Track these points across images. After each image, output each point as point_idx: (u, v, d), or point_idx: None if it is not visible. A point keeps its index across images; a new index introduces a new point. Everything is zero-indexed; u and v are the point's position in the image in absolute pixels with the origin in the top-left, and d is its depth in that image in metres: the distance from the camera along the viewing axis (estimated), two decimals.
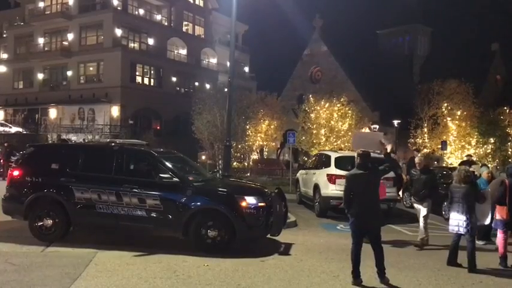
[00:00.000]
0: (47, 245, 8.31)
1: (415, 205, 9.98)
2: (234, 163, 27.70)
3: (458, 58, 48.97)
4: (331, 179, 12.90)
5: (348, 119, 29.64)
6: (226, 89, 19.86)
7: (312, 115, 29.77)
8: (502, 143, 30.97)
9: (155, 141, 27.93)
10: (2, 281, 6.24)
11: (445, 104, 31.33)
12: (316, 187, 13.67)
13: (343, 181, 7.90)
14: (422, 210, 9.60)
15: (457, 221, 7.77)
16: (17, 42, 46.51)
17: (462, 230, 7.70)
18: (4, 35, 48.72)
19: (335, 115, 29.41)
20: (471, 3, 71.03)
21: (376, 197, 6.99)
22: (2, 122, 40.57)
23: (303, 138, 29.89)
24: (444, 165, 27.66)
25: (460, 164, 13.72)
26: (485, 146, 31.23)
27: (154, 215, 8.28)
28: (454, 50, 52.67)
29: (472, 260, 7.64)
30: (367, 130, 32.23)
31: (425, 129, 31.83)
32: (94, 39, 41.11)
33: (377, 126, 37.20)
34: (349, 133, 29.49)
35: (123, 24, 40.56)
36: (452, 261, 7.93)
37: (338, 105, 29.66)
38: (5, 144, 24.45)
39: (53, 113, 42.44)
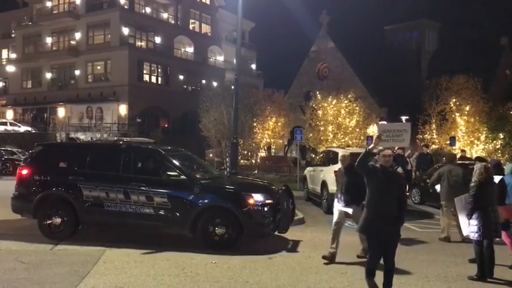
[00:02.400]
0: (56, 243, 8.37)
1: (344, 209, 8.00)
2: (242, 160, 27.74)
3: (467, 53, 48.56)
4: None
5: (355, 116, 29.56)
6: (233, 87, 19.86)
7: (319, 112, 29.73)
8: None
9: (163, 139, 27.98)
10: (12, 278, 6.29)
11: (454, 100, 31.10)
12: (324, 184, 13.65)
13: None
14: (351, 217, 8.06)
15: (478, 226, 6.80)
16: (25, 42, 46.77)
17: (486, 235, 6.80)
18: (12, 35, 49.06)
19: (342, 112, 29.34)
20: None
21: (371, 200, 5.83)
22: (12, 121, 40.91)
23: (311, 135, 29.87)
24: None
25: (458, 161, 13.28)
26: (495, 142, 30.95)
27: (162, 213, 8.31)
28: (463, 44, 52.17)
29: (491, 268, 6.88)
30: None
31: (434, 125, 31.62)
32: (101, 38, 41.27)
33: (385, 122, 37.00)
34: (357, 129, 29.43)
35: (130, 22, 40.67)
36: (486, 275, 6.80)
37: (345, 101, 29.59)
38: None
39: (61, 112, 42.75)
